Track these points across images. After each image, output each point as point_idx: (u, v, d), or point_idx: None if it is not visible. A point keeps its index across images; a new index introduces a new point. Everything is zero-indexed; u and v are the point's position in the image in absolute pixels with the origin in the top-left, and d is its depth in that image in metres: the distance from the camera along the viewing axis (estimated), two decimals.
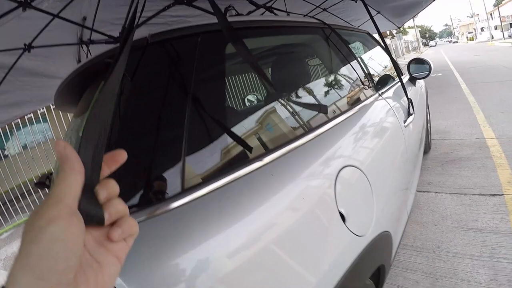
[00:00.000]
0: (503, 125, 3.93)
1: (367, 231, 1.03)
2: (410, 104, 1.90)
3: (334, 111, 1.33)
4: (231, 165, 0.83)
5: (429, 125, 3.64)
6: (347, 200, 0.99)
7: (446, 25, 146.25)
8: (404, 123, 1.74)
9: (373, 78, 1.89)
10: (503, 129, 3.79)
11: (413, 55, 31.47)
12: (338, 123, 1.21)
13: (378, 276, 1.29)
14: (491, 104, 5.02)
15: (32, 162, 5.82)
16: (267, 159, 0.87)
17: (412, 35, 42.27)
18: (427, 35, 71.39)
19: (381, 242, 1.16)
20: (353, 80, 1.65)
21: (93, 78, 1.01)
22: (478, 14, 60.77)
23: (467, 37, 65.19)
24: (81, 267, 0.34)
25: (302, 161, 0.94)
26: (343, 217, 0.94)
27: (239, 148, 0.89)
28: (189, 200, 0.69)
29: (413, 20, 35.07)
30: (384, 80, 2.08)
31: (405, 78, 2.55)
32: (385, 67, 2.42)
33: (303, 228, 0.84)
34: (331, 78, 1.70)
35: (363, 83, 1.66)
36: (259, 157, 0.86)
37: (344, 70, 1.67)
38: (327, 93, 1.51)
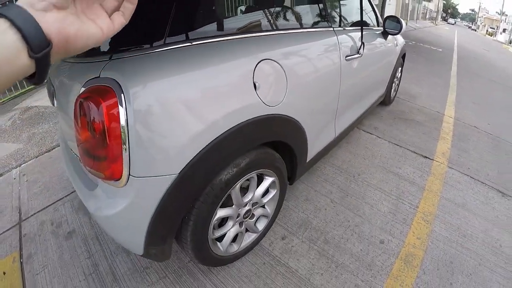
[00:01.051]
0: (467, 111, 4.10)
1: (272, 105, 1.29)
2: (362, 47, 2.09)
3: (287, 24, 1.64)
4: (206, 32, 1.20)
5: (396, 82, 3.80)
6: (262, 77, 1.24)
7: (473, 10, 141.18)
8: (345, 57, 1.89)
9: (337, 17, 2.16)
10: (465, 115, 3.96)
11: (427, 23, 30.46)
12: (284, 32, 1.52)
13: (290, 159, 1.62)
14: (469, 93, 5.14)
15: None
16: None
17: (434, 5, 40.30)
18: (450, 11, 68.50)
19: (286, 124, 1.43)
20: (320, 13, 1.88)
21: None
22: (506, 15, 58.88)
23: (487, 30, 63.62)
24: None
25: (246, 45, 1.27)
26: (255, 86, 1.20)
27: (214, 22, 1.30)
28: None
29: None
30: (348, 23, 2.28)
31: (376, 30, 2.77)
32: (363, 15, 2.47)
33: (226, 86, 1.12)
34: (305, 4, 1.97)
35: (325, 18, 1.89)
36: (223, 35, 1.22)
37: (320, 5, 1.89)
38: (294, 13, 1.82)
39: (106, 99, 0.88)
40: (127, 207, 1.01)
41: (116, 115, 0.88)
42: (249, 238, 1.60)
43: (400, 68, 3.74)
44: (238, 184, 1.29)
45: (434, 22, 36.48)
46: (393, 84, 3.64)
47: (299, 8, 1.90)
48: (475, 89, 5.57)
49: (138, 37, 1.03)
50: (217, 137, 1.07)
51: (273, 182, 1.52)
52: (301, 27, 1.72)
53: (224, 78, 1.10)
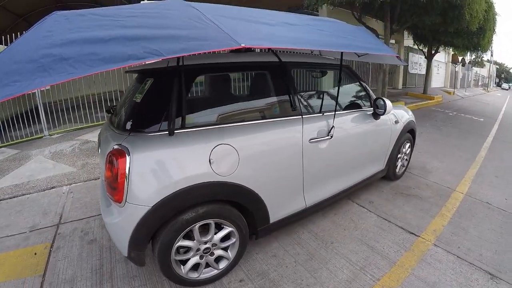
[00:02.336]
0: (484, 186, 3.98)
1: (224, 175, 1.88)
2: (332, 129, 2.51)
3: (250, 117, 2.24)
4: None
5: (405, 157, 4.00)
6: (217, 156, 1.87)
7: None
8: (309, 140, 2.37)
9: (311, 105, 2.69)
10: (480, 189, 3.84)
11: (478, 91, 29.60)
12: (245, 124, 2.11)
13: (251, 217, 2.14)
14: (495, 166, 4.94)
15: (93, 84, 7.06)
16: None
17: (486, 70, 39.31)
18: (503, 76, 65.61)
19: (238, 189, 1.97)
20: (291, 104, 2.35)
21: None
22: None
23: None
24: None
25: (211, 133, 1.94)
26: (210, 162, 1.84)
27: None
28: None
29: (491, 55, 32.46)
30: (326, 108, 2.64)
31: (367, 111, 3.14)
32: (341, 97, 2.96)
33: (189, 159, 1.82)
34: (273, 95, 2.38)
35: (294, 108, 2.35)
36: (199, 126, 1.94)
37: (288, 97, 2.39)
38: (259, 107, 2.38)
39: (120, 157, 1.67)
40: (122, 220, 1.75)
41: (124, 166, 1.65)
42: (211, 272, 2.10)
43: (408, 144, 3.94)
44: (197, 225, 1.88)
45: (486, 89, 35.28)
46: (399, 160, 3.82)
47: (264, 102, 2.41)
48: (504, 161, 5.36)
49: (143, 125, 1.87)
50: (179, 190, 1.73)
51: (232, 232, 2.05)
52: (264, 118, 2.27)
53: (189, 154, 1.83)
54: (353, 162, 2.97)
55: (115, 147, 1.73)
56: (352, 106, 3.16)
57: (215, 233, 2.01)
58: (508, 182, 4.21)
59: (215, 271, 2.11)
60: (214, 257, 2.07)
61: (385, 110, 2.96)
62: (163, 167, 1.75)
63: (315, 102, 2.87)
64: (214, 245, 2.03)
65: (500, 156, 5.63)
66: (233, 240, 2.09)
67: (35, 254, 2.47)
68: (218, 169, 1.86)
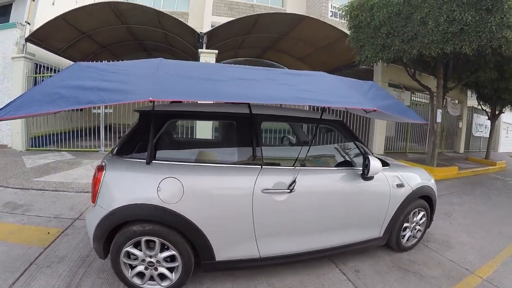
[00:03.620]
0: None
1: (167, 203, 2.24)
2: (293, 183, 2.52)
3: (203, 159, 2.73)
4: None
5: (418, 227, 3.60)
6: (164, 186, 2.27)
7: None
8: (262, 190, 2.45)
9: (271, 155, 2.85)
10: (508, 275, 3.22)
11: None
12: (195, 164, 2.53)
13: (197, 250, 2.39)
14: None
15: None
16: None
17: None
18: None
19: (179, 218, 2.27)
20: (253, 153, 2.54)
21: None
22: None
23: None
24: None
25: (164, 167, 2.39)
26: (158, 190, 2.24)
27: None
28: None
29: None
30: (287, 160, 2.85)
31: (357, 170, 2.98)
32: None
33: (141, 186, 2.32)
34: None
35: (254, 157, 2.54)
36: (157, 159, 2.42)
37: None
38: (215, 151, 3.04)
39: (99, 171, 2.34)
40: (91, 217, 2.35)
41: (100, 177, 2.32)
42: (154, 286, 2.42)
43: (423, 213, 3.56)
44: (143, 239, 2.29)
45: None
46: (407, 230, 3.47)
47: (225, 148, 2.83)
48: None
49: (122, 151, 2.48)
50: (129, 204, 2.23)
51: (175, 255, 2.35)
52: (221, 163, 2.62)
53: (143, 179, 2.33)
54: (329, 222, 2.81)
55: (100, 163, 2.44)
56: (340, 164, 3.10)
57: (160, 252, 2.35)
58: None
59: (158, 287, 2.43)
60: (157, 272, 2.41)
61: (368, 171, 2.72)
62: (123, 184, 2.33)
63: (285, 154, 2.96)
64: (158, 261, 2.38)
65: None
66: (176, 263, 2.39)
67: (48, 233, 3.42)
68: (164, 196, 2.25)
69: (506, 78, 8.21)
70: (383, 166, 3.04)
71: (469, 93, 13.01)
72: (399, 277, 3.05)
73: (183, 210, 2.26)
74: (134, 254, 2.34)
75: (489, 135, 12.50)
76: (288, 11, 12.74)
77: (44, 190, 4.89)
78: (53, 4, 10.12)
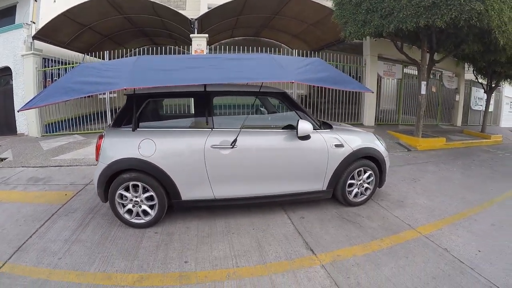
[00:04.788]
0: (461, 232, 3.47)
1: (145, 155, 3.16)
2: (234, 141, 3.27)
3: (170, 124, 3.96)
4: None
5: (365, 185, 3.99)
6: (143, 145, 3.19)
7: None
8: (211, 146, 3.25)
9: (220, 121, 3.54)
10: (450, 235, 3.38)
11: None
12: (164, 129, 3.51)
13: (163, 187, 3.26)
14: (506, 212, 4.11)
15: None
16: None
17: None
18: None
19: (152, 167, 3.16)
20: (206, 121, 3.41)
21: None
22: None
23: None
24: None
25: (142, 132, 3.35)
26: (138, 147, 3.17)
27: None
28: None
29: None
30: (232, 124, 3.57)
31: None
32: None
33: (127, 144, 3.31)
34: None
35: (207, 122, 3.38)
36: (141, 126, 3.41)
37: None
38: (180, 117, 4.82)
39: (100, 138, 3.34)
40: (96, 170, 3.28)
41: (100, 142, 3.30)
42: (140, 220, 3.33)
43: (369, 172, 3.93)
44: (131, 183, 3.19)
45: None
46: (354, 186, 3.89)
47: (187, 117, 4.14)
48: None
49: (115, 123, 3.44)
50: (120, 158, 3.16)
51: (153, 195, 3.25)
52: (183, 127, 3.63)
53: (129, 142, 3.24)
54: (271, 172, 3.47)
55: (100, 134, 3.38)
56: (285, 127, 3.60)
57: (143, 193, 3.24)
58: (504, 232, 3.53)
59: (142, 220, 3.33)
60: (141, 209, 3.29)
61: (297, 131, 3.36)
62: (116, 145, 3.26)
63: (234, 121, 3.70)
64: (141, 200, 3.27)
65: None
66: (154, 202, 3.27)
67: (65, 194, 4.36)
68: (143, 152, 3.16)
69: (492, 51, 8.17)
70: (326, 129, 3.78)
71: (466, 66, 12.90)
72: (337, 224, 3.50)
73: (156, 161, 3.14)
74: (125, 196, 3.23)
75: (485, 108, 12.46)
76: None
77: (61, 166, 5.90)
78: (55, 1, 10.74)
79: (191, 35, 9.26)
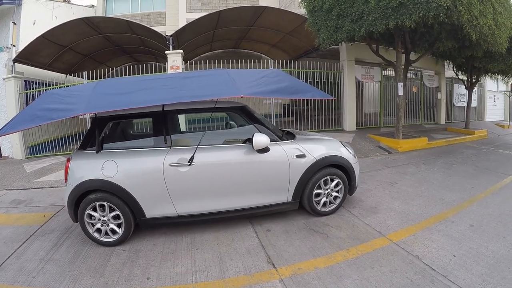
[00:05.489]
0: (436, 236, 3.34)
1: (109, 176, 3.23)
2: (192, 158, 3.31)
3: (130, 145, 3.71)
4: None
5: (335, 194, 3.93)
6: (106, 166, 3.28)
7: None
8: (169, 164, 3.28)
9: (177, 139, 3.63)
10: (424, 240, 3.24)
11: None
12: (125, 150, 3.50)
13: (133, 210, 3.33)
14: (485, 212, 4.00)
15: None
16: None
17: None
18: None
19: (116, 187, 3.22)
20: (164, 140, 3.43)
21: None
22: None
23: None
24: None
25: (105, 154, 3.43)
26: (102, 168, 3.25)
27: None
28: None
29: None
30: (190, 141, 3.65)
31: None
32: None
33: (91, 166, 3.36)
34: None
35: (165, 142, 3.42)
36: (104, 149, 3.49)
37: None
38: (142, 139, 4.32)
39: (68, 161, 3.42)
40: (65, 191, 3.35)
41: (67, 165, 3.38)
42: (109, 239, 3.38)
43: (337, 181, 3.85)
44: (97, 203, 3.26)
45: None
46: (322, 196, 3.81)
47: (146, 137, 3.96)
48: (506, 207, 4.17)
49: (81, 146, 3.52)
50: (85, 180, 3.25)
51: (119, 214, 3.29)
52: (142, 147, 3.54)
53: (93, 163, 3.31)
54: (232, 187, 3.46)
55: (68, 157, 3.47)
56: (246, 141, 3.54)
57: (110, 212, 3.31)
58: (482, 233, 3.38)
59: (111, 239, 3.38)
60: (109, 228, 3.35)
61: (252, 145, 3.35)
62: (82, 167, 3.33)
63: (190, 138, 3.82)
64: (108, 220, 3.34)
65: (507, 199, 4.48)
66: (121, 220, 3.33)
67: (44, 216, 4.45)
68: (106, 173, 3.24)
69: (468, 47, 8.23)
70: (289, 139, 3.77)
71: (446, 64, 12.99)
72: (304, 236, 3.40)
73: (119, 181, 3.21)
74: (93, 216, 3.31)
75: (467, 104, 12.50)
76: (260, 3, 13.01)
77: (42, 187, 6.05)
78: (34, 23, 10.84)
79: (166, 52, 9.26)
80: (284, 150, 3.56)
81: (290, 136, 3.96)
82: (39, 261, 3.18)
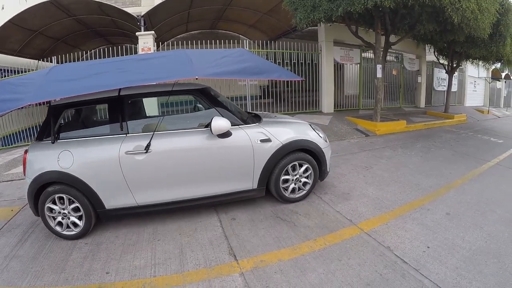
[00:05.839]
0: (410, 225, 3.17)
1: (64, 167, 3.01)
2: (148, 145, 3.10)
3: (87, 133, 3.38)
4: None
5: (303, 180, 3.70)
6: (62, 157, 3.05)
7: None
8: (125, 152, 3.07)
9: (134, 125, 3.30)
10: (397, 229, 3.07)
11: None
12: (81, 139, 3.23)
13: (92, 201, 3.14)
14: (463, 199, 3.84)
15: None
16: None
17: None
18: None
19: (72, 177, 3.01)
20: (120, 127, 3.19)
21: None
22: None
23: None
24: None
25: (62, 144, 3.18)
26: (58, 159, 3.04)
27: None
28: None
29: None
30: (146, 127, 3.35)
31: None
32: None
33: (46, 159, 3.12)
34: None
35: (121, 129, 3.19)
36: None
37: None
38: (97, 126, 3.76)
39: (25, 153, 3.20)
40: (25, 183, 3.14)
41: (25, 157, 3.16)
42: (71, 232, 3.20)
43: (306, 166, 3.62)
44: (56, 196, 3.07)
45: None
46: (290, 182, 3.61)
47: (101, 124, 3.64)
48: (484, 194, 4.02)
49: (38, 137, 3.30)
50: (42, 172, 3.03)
51: (78, 206, 3.11)
52: (97, 135, 3.23)
53: (49, 155, 3.07)
54: (192, 174, 3.26)
55: (26, 149, 3.25)
56: (207, 125, 3.27)
57: (69, 205, 3.12)
58: (459, 222, 3.21)
59: (73, 232, 3.19)
60: (70, 220, 3.17)
61: (211, 129, 3.12)
62: (39, 159, 3.11)
63: (148, 124, 3.46)
64: (69, 212, 3.14)
65: (486, 186, 4.32)
66: (81, 212, 3.14)
67: (11, 210, 4.16)
68: (62, 164, 3.02)
69: (449, 30, 8.04)
70: (255, 122, 3.54)
71: (427, 48, 12.89)
72: (270, 225, 3.20)
73: (75, 172, 3.01)
74: (53, 209, 3.12)
75: (447, 88, 12.51)
76: None
77: (12, 180, 5.65)
78: (3, 8, 10.14)
79: (137, 33, 8.75)
80: (247, 135, 3.34)
81: (257, 119, 3.73)
82: (4, 258, 2.99)
